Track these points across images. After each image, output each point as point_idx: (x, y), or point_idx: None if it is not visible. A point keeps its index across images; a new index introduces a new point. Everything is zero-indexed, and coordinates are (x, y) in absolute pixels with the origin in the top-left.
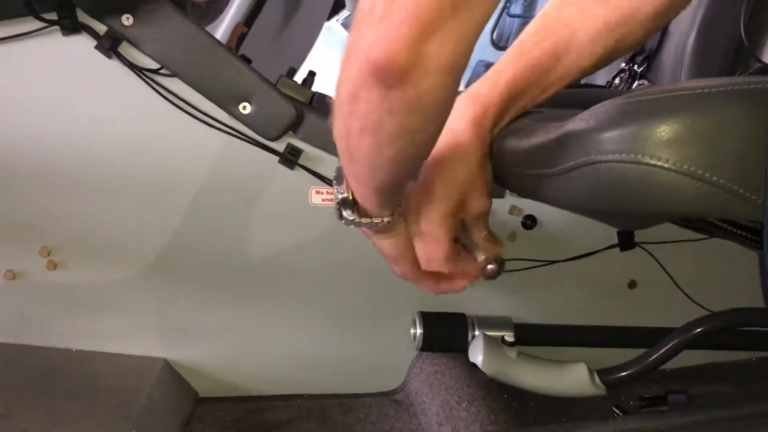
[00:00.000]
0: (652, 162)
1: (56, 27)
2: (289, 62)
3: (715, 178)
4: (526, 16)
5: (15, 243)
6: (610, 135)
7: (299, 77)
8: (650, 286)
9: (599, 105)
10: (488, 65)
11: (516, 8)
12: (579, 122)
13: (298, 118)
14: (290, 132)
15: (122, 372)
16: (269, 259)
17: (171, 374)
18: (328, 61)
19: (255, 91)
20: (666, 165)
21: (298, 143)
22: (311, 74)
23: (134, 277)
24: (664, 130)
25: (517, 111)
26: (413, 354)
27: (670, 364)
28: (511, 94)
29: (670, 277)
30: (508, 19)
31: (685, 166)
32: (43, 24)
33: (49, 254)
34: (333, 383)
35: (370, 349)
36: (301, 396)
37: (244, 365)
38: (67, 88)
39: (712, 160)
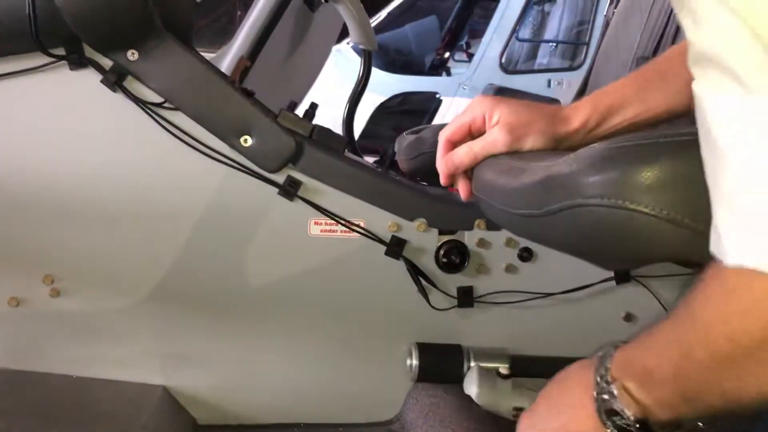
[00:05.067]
0: (633, 207)
1: (64, 62)
2: (294, 91)
3: (693, 224)
4: (535, 41)
5: (19, 271)
6: (593, 180)
7: (306, 103)
8: (646, 320)
9: (583, 149)
10: (498, 89)
11: (525, 33)
12: (563, 165)
13: (298, 151)
14: (290, 164)
15: (121, 399)
16: (267, 288)
17: (169, 402)
18: (337, 84)
19: (256, 125)
20: (647, 210)
21: (297, 175)
22: (312, 106)
23: (135, 306)
24: (645, 176)
25: None
26: (409, 385)
27: None
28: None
29: (666, 311)
30: (517, 43)
31: (665, 212)
32: (52, 59)
33: (52, 282)
34: (330, 412)
35: (366, 379)
36: (298, 425)
37: (243, 394)
38: (73, 122)
39: (691, 206)
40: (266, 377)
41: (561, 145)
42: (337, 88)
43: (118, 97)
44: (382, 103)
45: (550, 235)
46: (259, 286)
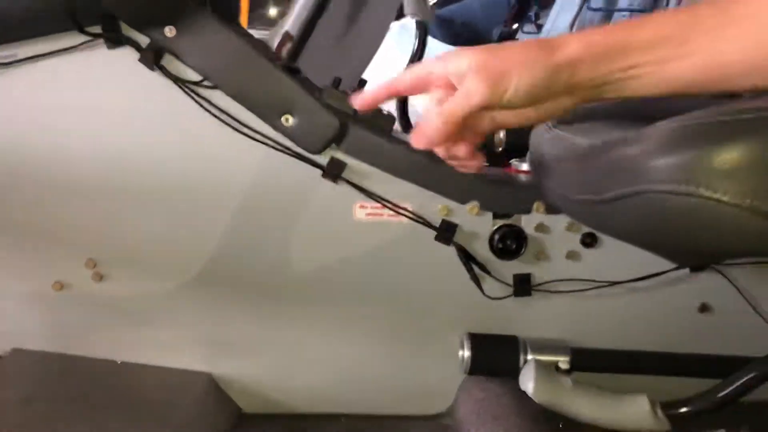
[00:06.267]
0: (708, 194)
1: (100, 40)
2: (350, 69)
3: None
4: (608, 10)
5: (62, 255)
6: (662, 163)
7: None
8: (724, 311)
9: (651, 127)
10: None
11: (597, 1)
12: (628, 147)
13: (342, 131)
14: (334, 145)
15: (165, 385)
16: (312, 274)
17: (214, 389)
18: (401, 63)
19: (298, 103)
20: (726, 198)
21: (342, 156)
22: (361, 83)
23: (178, 290)
24: (724, 159)
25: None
26: (461, 377)
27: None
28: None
29: (748, 302)
30: (589, 12)
31: (747, 200)
32: (88, 38)
33: (95, 266)
34: (378, 403)
35: (415, 370)
36: (345, 415)
37: (289, 382)
38: (111, 102)
39: None
40: (312, 366)
41: (563, 91)
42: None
43: (156, 76)
44: None
45: (612, 224)
46: (303, 271)
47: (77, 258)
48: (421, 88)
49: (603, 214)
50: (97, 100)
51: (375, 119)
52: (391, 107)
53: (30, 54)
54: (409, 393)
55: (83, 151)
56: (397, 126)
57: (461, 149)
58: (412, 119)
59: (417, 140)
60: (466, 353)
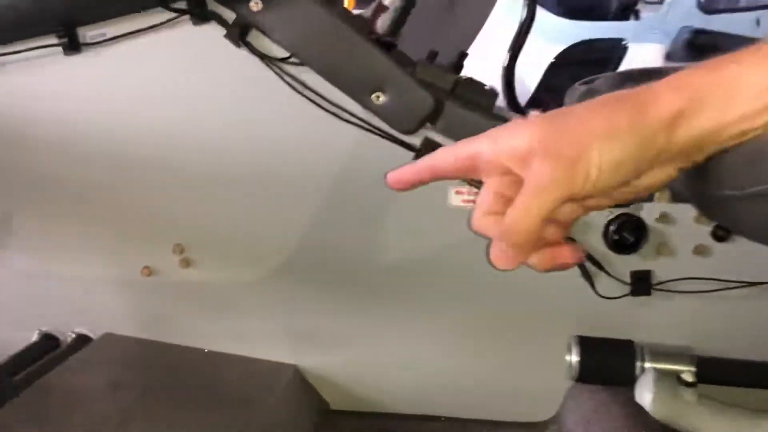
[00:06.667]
0: None
1: (185, 17)
2: (452, 42)
3: None
4: None
5: (151, 240)
6: None
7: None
8: None
9: None
10: (694, 32)
11: None
12: None
13: (437, 109)
14: (428, 124)
15: (251, 377)
16: (405, 265)
17: (301, 382)
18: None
19: (389, 79)
20: None
21: (436, 137)
22: (461, 56)
23: (265, 279)
24: None
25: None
26: (568, 383)
27: None
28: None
29: None
30: None
31: None
32: (174, 14)
33: (182, 252)
34: (476, 407)
35: (518, 373)
36: (439, 418)
37: (380, 380)
38: (196, 81)
39: None
40: (405, 363)
41: (662, 159)
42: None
43: (242, 53)
44: (560, 53)
45: (751, 225)
46: (396, 262)
47: (165, 243)
48: (467, 172)
49: (742, 212)
50: (181, 81)
51: (474, 95)
52: (494, 80)
53: (118, 33)
54: (509, 398)
55: (168, 134)
56: (501, 101)
57: (550, 255)
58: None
59: (498, 261)
60: (574, 358)
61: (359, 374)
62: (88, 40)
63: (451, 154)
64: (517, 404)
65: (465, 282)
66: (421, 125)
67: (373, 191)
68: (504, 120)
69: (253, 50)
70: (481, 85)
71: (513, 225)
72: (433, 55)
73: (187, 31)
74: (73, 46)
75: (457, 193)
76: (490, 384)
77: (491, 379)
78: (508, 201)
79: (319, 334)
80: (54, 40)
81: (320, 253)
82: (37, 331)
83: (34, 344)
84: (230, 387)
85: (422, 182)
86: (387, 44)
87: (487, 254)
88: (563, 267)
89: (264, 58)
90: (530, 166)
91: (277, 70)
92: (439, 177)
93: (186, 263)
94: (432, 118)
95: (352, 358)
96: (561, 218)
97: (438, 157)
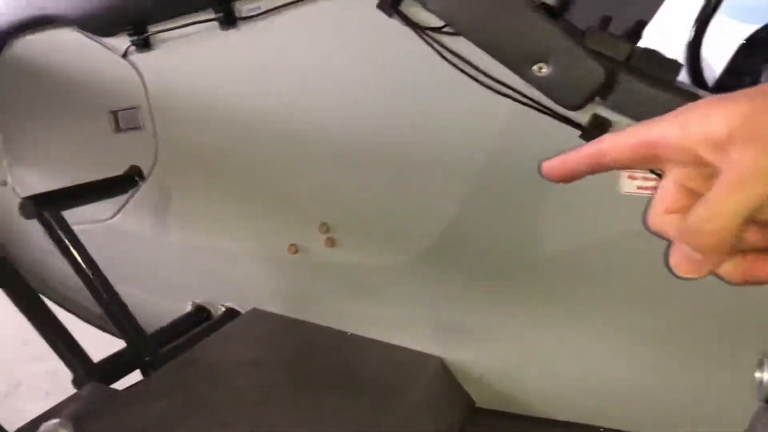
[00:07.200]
0: None
1: None
2: (632, 11)
3: None
4: None
5: (298, 217)
6: None
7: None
8: None
9: None
10: None
11: None
12: None
13: (608, 81)
14: (597, 98)
15: (394, 364)
16: (566, 257)
17: (445, 376)
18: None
19: (554, 49)
20: None
21: (606, 113)
22: (639, 24)
23: (412, 264)
24: None
25: None
26: (756, 405)
27: None
28: None
29: None
30: None
31: None
32: None
33: (327, 231)
34: (643, 421)
35: (692, 388)
36: (598, 429)
37: (531, 380)
38: (345, 54)
39: None
40: (561, 365)
41: None
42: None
43: (394, 24)
44: (752, 33)
45: None
46: (555, 253)
47: (312, 222)
48: (645, 161)
49: None
50: (334, 54)
51: (653, 67)
52: (677, 52)
53: (271, 6)
54: (684, 416)
55: (320, 109)
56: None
57: (747, 265)
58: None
59: (680, 267)
60: (765, 376)
61: (508, 373)
62: (244, 14)
63: (624, 140)
64: (693, 423)
65: (634, 279)
66: (589, 100)
67: (531, 174)
68: (690, 96)
69: (406, 20)
70: (661, 56)
71: (703, 225)
72: (606, 22)
73: (340, 3)
74: (229, 20)
75: (630, 178)
76: (663, 397)
77: (664, 392)
78: (694, 196)
79: (467, 327)
80: (211, 15)
81: (471, 240)
82: (191, 303)
83: (187, 315)
84: (372, 373)
85: (585, 173)
86: (551, 10)
87: (666, 258)
88: (763, 281)
89: (417, 28)
90: (729, 154)
91: (430, 41)
92: (607, 167)
93: (331, 242)
94: (602, 92)
95: (501, 355)
96: (764, 220)
97: (608, 143)
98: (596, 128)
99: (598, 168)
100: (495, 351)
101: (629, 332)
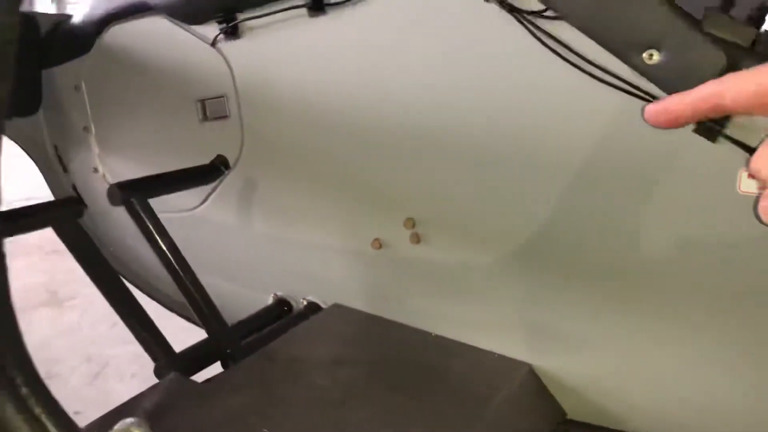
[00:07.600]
0: None
1: None
2: None
3: None
4: None
5: (383, 212)
6: None
7: None
8: None
9: None
10: None
11: None
12: None
13: (730, 69)
14: None
15: (480, 369)
16: (672, 262)
17: (535, 384)
18: None
19: (667, 34)
20: None
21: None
22: (762, 9)
23: (501, 264)
24: None
25: None
26: None
27: None
28: None
29: None
30: None
31: None
32: None
33: (413, 226)
34: None
35: None
36: None
37: (632, 394)
38: (439, 41)
39: None
40: (665, 381)
41: None
42: None
43: (490, 7)
44: None
45: None
46: (660, 256)
47: (397, 217)
48: (762, 109)
49: None
50: (426, 42)
51: None
52: None
53: None
54: None
55: (407, 101)
56: None
57: None
58: None
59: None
60: None
61: (603, 384)
62: (332, 0)
63: (752, 80)
64: None
65: (751, 288)
66: None
67: (638, 169)
68: None
69: (503, 3)
70: None
71: None
72: (728, 4)
73: None
74: (317, 6)
75: (751, 177)
76: None
77: None
78: None
79: (559, 334)
80: (300, 2)
81: (565, 240)
82: (273, 295)
83: (268, 308)
84: (457, 377)
85: (698, 117)
86: None
87: (755, 207)
88: None
89: (515, 11)
90: None
91: (529, 26)
92: (723, 110)
93: (416, 239)
94: None
95: (596, 364)
96: None
97: (730, 83)
98: (714, 121)
99: (712, 111)
100: (591, 360)
101: (738, 345)
